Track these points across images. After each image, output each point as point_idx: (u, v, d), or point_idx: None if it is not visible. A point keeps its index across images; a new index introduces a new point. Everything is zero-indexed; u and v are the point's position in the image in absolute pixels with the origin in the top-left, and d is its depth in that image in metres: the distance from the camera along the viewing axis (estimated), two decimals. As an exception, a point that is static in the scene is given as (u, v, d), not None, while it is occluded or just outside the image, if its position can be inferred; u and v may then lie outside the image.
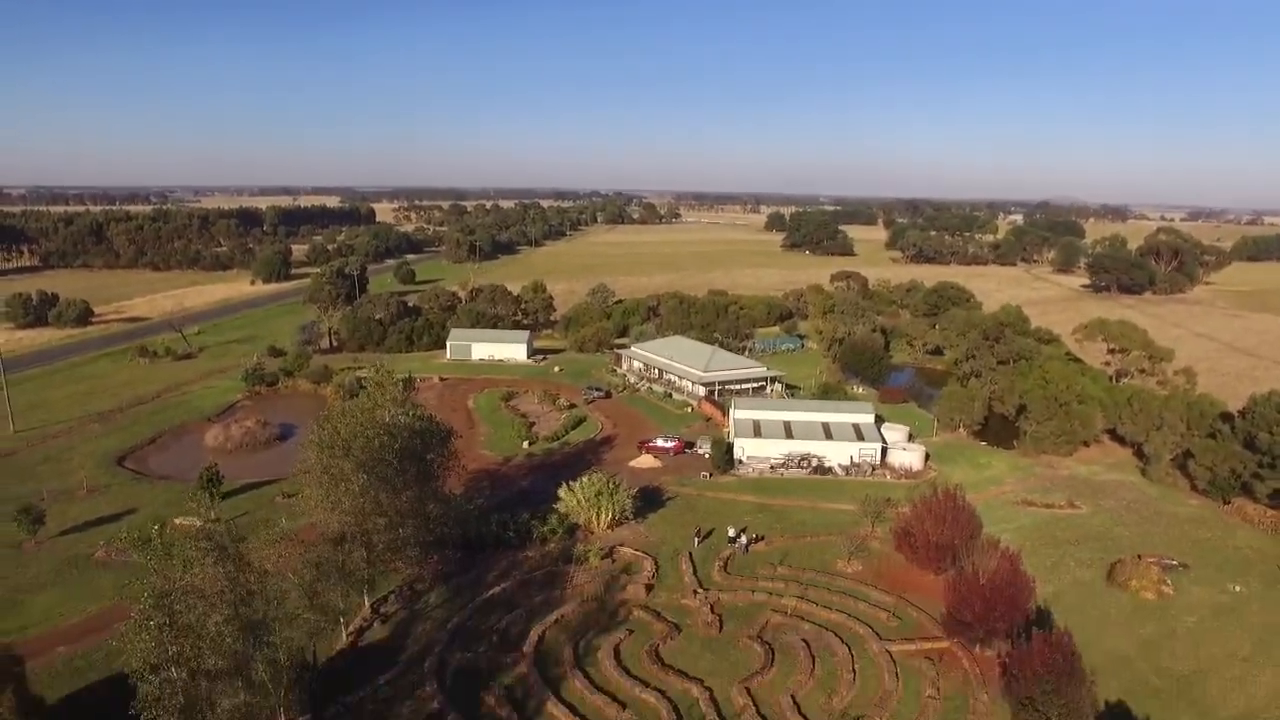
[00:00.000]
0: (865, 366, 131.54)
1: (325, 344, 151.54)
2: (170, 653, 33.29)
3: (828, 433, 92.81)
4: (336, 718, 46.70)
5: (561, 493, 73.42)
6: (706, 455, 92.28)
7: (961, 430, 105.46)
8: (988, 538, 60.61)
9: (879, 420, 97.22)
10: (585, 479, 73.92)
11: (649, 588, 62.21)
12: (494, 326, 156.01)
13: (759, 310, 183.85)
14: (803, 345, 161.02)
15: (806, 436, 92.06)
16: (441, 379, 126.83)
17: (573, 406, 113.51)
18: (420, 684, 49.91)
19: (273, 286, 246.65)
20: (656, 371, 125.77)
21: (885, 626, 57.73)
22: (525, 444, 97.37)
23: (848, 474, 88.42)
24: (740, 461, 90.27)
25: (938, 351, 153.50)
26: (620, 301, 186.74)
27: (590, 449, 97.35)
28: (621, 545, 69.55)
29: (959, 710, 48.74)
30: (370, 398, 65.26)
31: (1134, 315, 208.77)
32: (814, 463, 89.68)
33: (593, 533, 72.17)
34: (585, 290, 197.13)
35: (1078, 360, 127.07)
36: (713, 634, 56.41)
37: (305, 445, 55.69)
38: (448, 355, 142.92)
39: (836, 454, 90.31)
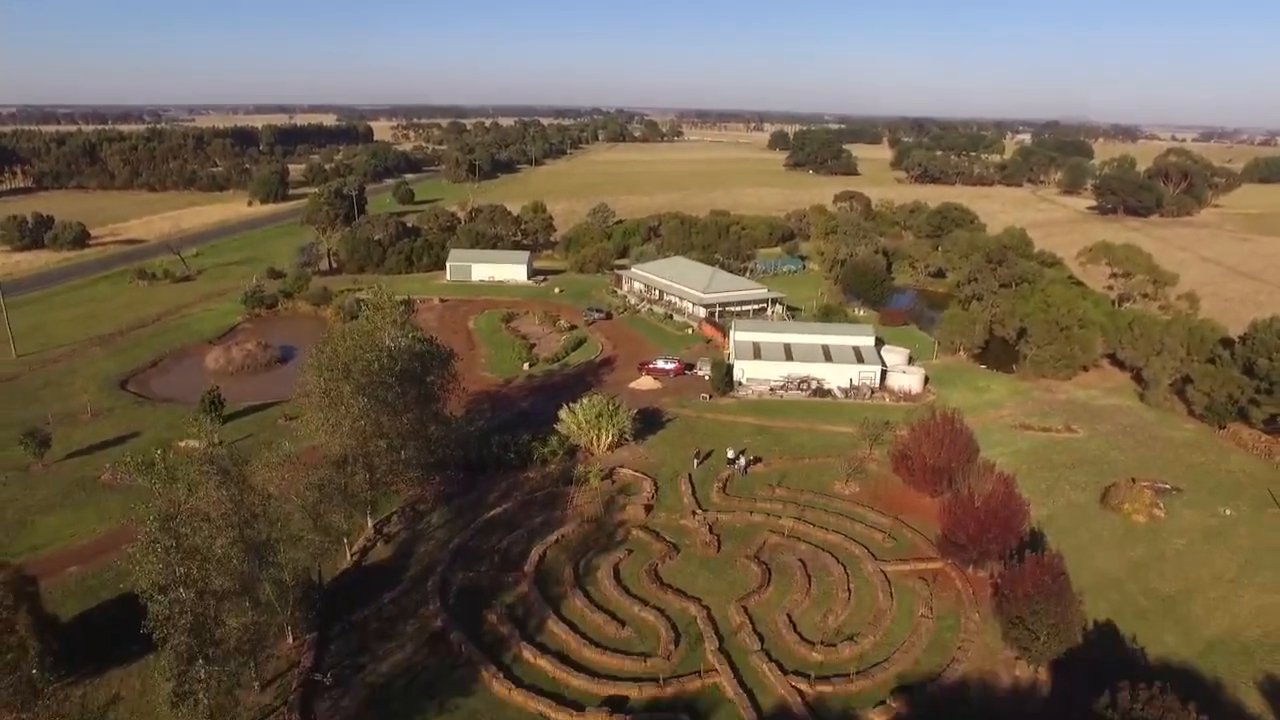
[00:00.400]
0: (867, 289, 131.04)
1: (324, 265, 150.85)
2: (178, 574, 33.92)
3: (827, 355, 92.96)
4: (342, 635, 47.92)
5: (562, 414, 73.95)
6: (706, 377, 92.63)
7: (962, 353, 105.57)
8: (984, 461, 61.18)
9: (879, 343, 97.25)
10: (585, 401, 74.36)
11: (648, 508, 63.11)
12: (494, 247, 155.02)
13: (761, 231, 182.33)
14: (804, 267, 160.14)
15: (806, 359, 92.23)
16: (441, 300, 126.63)
17: (573, 328, 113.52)
18: (423, 603, 51.08)
19: (270, 207, 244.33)
20: (657, 293, 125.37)
21: (881, 547, 58.72)
22: (526, 366, 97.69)
23: (847, 396, 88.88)
24: (740, 384, 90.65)
25: (940, 274, 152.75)
26: (621, 222, 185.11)
27: (590, 370, 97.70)
28: (621, 467, 70.34)
29: (950, 629, 49.91)
30: (369, 320, 65.14)
31: (1140, 238, 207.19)
32: (813, 385, 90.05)
33: (593, 454, 72.91)
34: (586, 210, 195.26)
35: (1080, 284, 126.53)
36: (711, 554, 57.44)
37: (305, 369, 55.87)
38: (447, 276, 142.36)
39: (836, 376, 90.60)
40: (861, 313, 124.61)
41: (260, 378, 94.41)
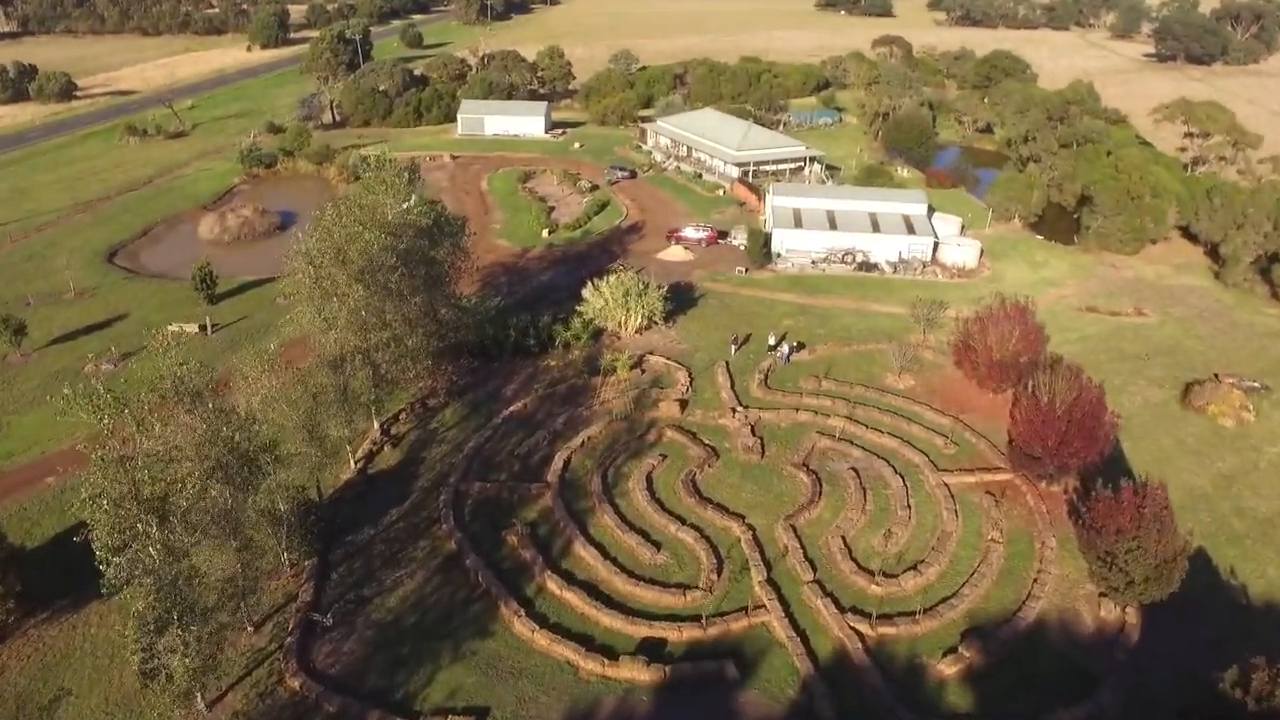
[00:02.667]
0: (911, 146, 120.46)
1: (327, 119, 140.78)
2: (137, 529, 28.39)
3: (875, 225, 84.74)
4: (345, 560, 43.10)
5: (586, 293, 67.12)
6: (741, 247, 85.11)
7: (1016, 221, 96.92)
8: (1065, 362, 54.31)
9: (930, 211, 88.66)
10: (613, 278, 67.36)
11: (683, 405, 57.24)
12: (509, 97, 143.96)
13: (794, 79, 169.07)
14: (840, 119, 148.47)
15: (851, 228, 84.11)
16: (453, 157, 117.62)
17: (595, 189, 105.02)
18: (436, 520, 46.04)
19: (271, 53, 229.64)
20: (685, 149, 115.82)
21: (942, 454, 52.91)
22: (545, 232, 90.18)
23: (895, 271, 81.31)
24: (778, 255, 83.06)
25: (987, 130, 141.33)
26: (644, 68, 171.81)
27: (615, 238, 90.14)
28: (651, 353, 64.14)
29: (1024, 556, 44.55)
30: (369, 189, 57.55)
31: (1202, 90, 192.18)
32: (859, 258, 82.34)
33: (619, 338, 66.63)
34: (606, 55, 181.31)
35: (1147, 144, 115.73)
36: (754, 460, 51.85)
37: (292, 255, 48.90)
38: (458, 130, 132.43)
39: (884, 249, 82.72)
40: (905, 173, 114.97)
41: (258, 247, 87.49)
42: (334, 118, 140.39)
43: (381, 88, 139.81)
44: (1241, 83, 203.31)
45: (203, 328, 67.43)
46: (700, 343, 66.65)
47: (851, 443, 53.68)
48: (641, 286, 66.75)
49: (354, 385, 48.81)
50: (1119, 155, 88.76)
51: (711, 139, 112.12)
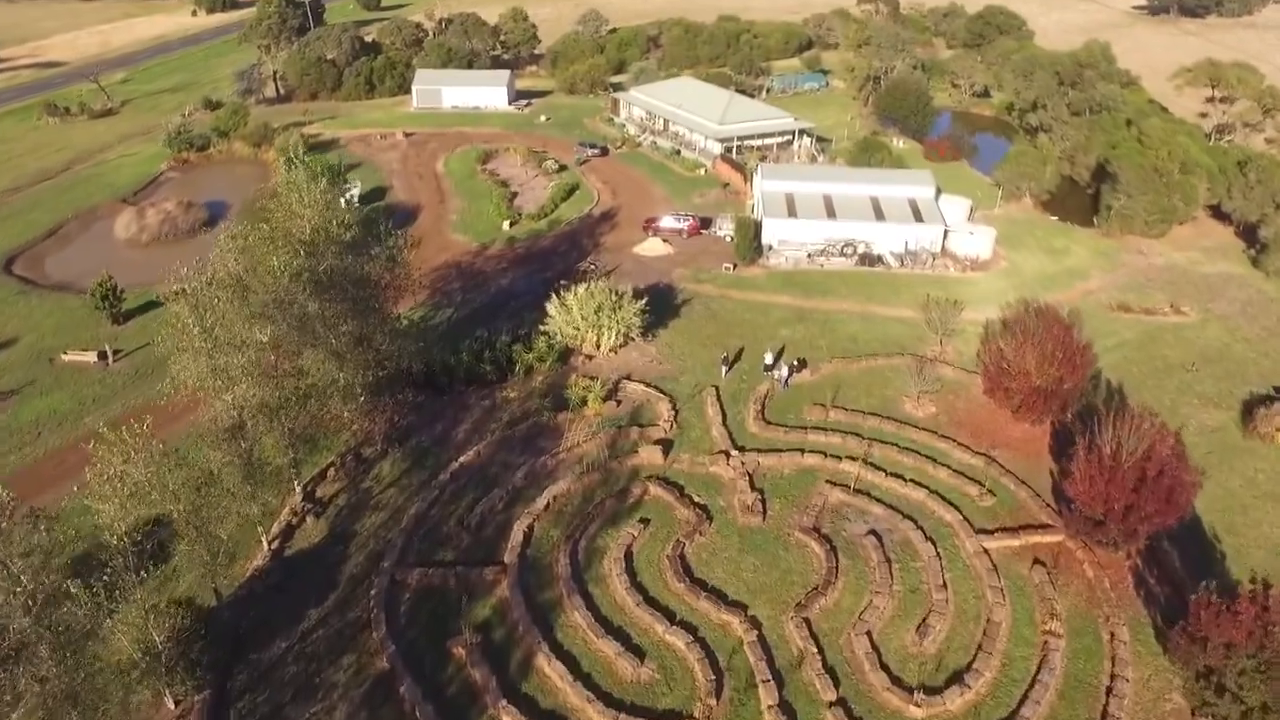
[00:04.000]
0: (907, 114, 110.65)
1: (270, 92, 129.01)
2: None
3: (878, 211, 75.45)
4: (249, 688, 34.09)
5: (551, 309, 57.67)
6: (728, 239, 75.75)
7: (1027, 200, 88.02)
8: (1139, 407, 45.74)
9: (937, 194, 79.42)
10: (581, 289, 57.86)
11: (667, 448, 48.30)
12: (469, 65, 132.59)
13: (775, 39, 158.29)
14: (827, 84, 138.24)
15: (851, 216, 74.81)
16: (406, 135, 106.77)
17: (563, 169, 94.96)
18: (366, 624, 37.06)
19: (218, 17, 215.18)
20: (661, 122, 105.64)
21: (977, 507, 44.42)
22: (506, 224, 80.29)
23: (902, 264, 72.24)
24: (770, 248, 73.76)
25: (985, 94, 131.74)
26: (615, 30, 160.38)
27: (585, 229, 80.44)
28: (628, 379, 55.03)
29: (1090, 654, 36.07)
30: (281, 200, 47.72)
31: (1198, 44, 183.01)
32: (860, 249, 73.22)
33: (591, 358, 57.46)
34: (573, 16, 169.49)
35: (1163, 110, 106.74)
36: (754, 522, 43.10)
37: (172, 298, 38.90)
38: (414, 103, 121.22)
39: (888, 239, 73.54)
40: (901, 144, 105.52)
41: (182, 248, 76.47)
42: (278, 91, 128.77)
43: (329, 57, 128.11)
44: (1239, 36, 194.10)
45: (102, 355, 57.54)
46: (685, 361, 57.62)
47: (869, 495, 45.08)
48: (615, 298, 57.39)
49: (262, 451, 39.49)
50: (1142, 126, 79.78)
51: (690, 111, 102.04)
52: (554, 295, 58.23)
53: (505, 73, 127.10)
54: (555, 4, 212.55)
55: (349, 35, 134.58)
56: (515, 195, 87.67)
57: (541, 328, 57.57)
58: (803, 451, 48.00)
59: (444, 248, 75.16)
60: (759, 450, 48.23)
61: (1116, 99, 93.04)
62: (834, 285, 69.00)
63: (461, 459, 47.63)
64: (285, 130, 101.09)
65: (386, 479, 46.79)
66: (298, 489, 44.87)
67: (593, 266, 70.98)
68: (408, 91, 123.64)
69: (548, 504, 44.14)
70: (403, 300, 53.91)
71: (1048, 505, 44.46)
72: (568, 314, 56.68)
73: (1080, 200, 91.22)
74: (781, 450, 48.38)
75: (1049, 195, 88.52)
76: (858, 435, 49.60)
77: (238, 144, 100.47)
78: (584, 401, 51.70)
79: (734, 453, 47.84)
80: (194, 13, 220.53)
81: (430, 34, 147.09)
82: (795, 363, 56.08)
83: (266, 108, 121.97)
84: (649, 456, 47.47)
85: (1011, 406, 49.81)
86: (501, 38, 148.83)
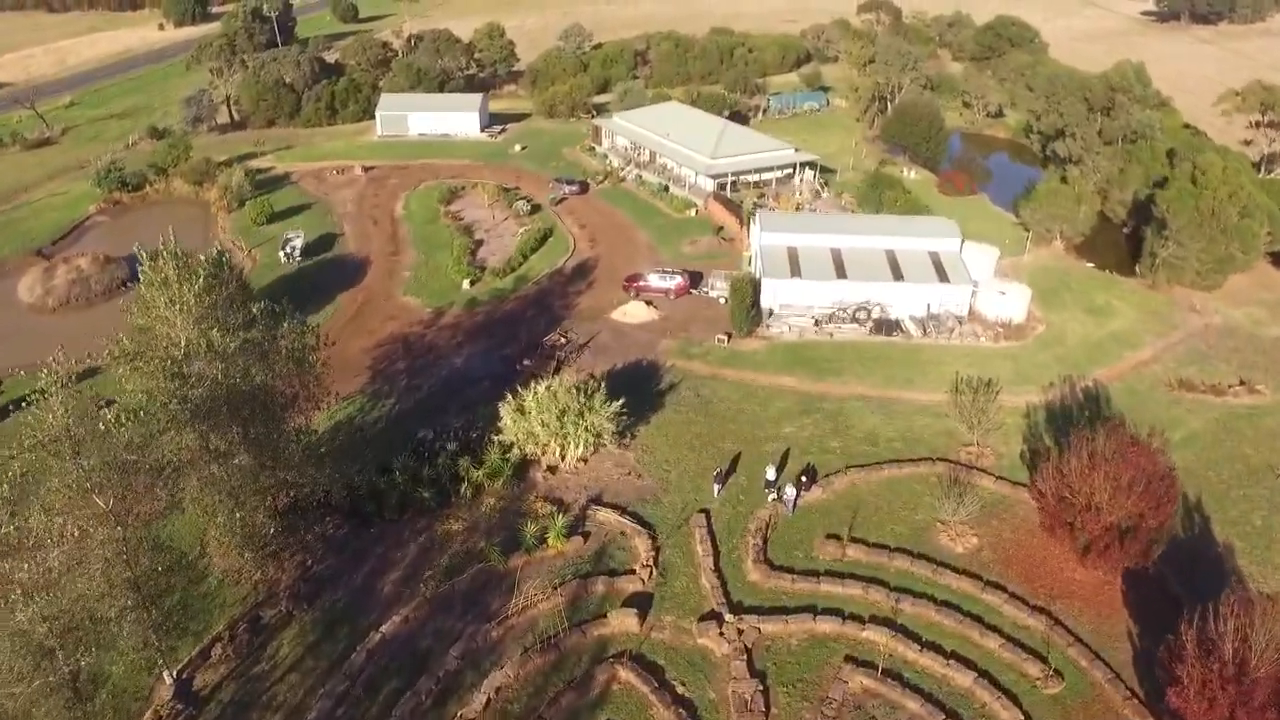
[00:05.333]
0: (918, 141, 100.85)
1: (225, 118, 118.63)
2: None
3: (895, 268, 65.36)
4: None
5: (506, 415, 47.38)
6: (721, 300, 65.83)
7: (1058, 243, 78.12)
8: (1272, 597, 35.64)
9: (961, 245, 69.26)
10: (543, 389, 47.64)
11: (644, 603, 38.23)
12: (441, 88, 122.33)
13: (771, 53, 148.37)
14: (828, 102, 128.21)
15: (864, 273, 64.76)
16: (366, 169, 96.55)
17: (536, 210, 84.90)
18: None
19: (185, 31, 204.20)
20: (647, 153, 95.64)
21: (1039, 696, 34.35)
22: (466, 283, 70.08)
23: (924, 332, 62.19)
24: (770, 313, 63.78)
25: (999, 113, 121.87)
26: (599, 46, 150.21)
27: (557, 288, 70.30)
28: (597, 503, 44.88)
29: None
30: (147, 306, 37.65)
31: (1215, 53, 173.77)
32: (874, 313, 63.25)
33: (554, 470, 47.31)
34: (558, 28, 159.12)
35: (1198, 133, 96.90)
36: (754, 727, 33.09)
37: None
38: (378, 130, 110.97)
39: (907, 301, 63.55)
40: (913, 174, 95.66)
41: (93, 314, 66.76)
42: (232, 118, 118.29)
43: (287, 80, 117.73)
44: (1256, 44, 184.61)
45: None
46: (669, 472, 47.52)
47: (901, 679, 34.98)
48: (584, 399, 47.19)
49: (118, 639, 29.43)
50: (1197, 162, 69.72)
51: (679, 142, 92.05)
52: (508, 398, 47.96)
53: (477, 97, 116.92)
54: (541, 13, 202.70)
55: (308, 56, 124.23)
56: (479, 244, 77.51)
57: (495, 432, 47.28)
58: (815, 613, 37.89)
59: (391, 315, 65.05)
60: (759, 611, 38.16)
61: (1153, 126, 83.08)
62: (846, 362, 58.91)
63: (384, 628, 37.45)
64: (230, 166, 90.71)
65: (287, 659, 36.58)
66: (168, 680, 34.69)
67: (562, 340, 60.98)
68: (373, 117, 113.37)
69: (488, 700, 34.00)
70: (321, 404, 43.71)
71: (1132, 696, 34.39)
72: (526, 421, 46.47)
73: (1113, 239, 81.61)
74: (788, 609, 38.34)
75: (1082, 238, 78.67)
76: (882, 584, 39.58)
77: (177, 182, 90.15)
78: (542, 538, 41.56)
79: (728, 616, 37.73)
80: (161, 26, 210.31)
81: (399, 53, 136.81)
82: (804, 478, 45.92)
83: (218, 136, 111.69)
84: (620, 624, 37.34)
85: (1077, 547, 39.71)
86: (476, 55, 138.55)
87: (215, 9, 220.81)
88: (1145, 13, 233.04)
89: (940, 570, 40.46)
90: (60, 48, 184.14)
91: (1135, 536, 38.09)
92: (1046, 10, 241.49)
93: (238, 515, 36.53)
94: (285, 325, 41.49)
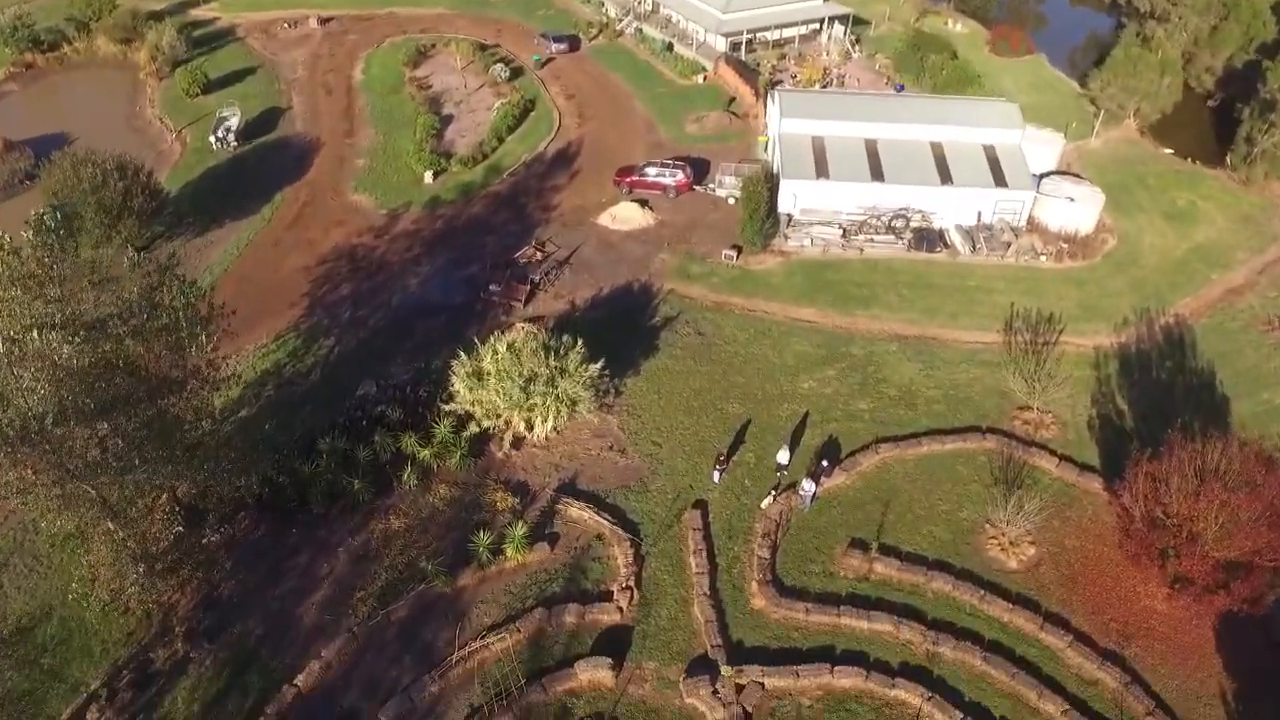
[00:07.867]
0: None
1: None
2: None
3: (942, 166, 54.28)
4: None
5: (458, 382, 38.40)
6: (731, 200, 55.48)
7: (1131, 122, 66.20)
8: None
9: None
10: (504, 348, 38.45)
11: (620, 641, 30.75)
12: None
13: None
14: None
15: (905, 174, 53.66)
16: (322, 21, 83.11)
17: (517, 74, 72.86)
18: None
19: None
20: (649, 3, 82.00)
21: (1120, 796, 27.19)
22: (429, 175, 59.39)
23: (973, 247, 51.99)
24: (790, 221, 53.47)
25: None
26: None
27: (536, 182, 59.70)
28: (570, 494, 36.64)
29: None
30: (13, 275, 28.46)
31: None
32: (915, 223, 52.89)
33: (519, 444, 38.92)
34: None
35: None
36: (752, 839, 26.11)
37: None
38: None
39: (955, 208, 53.01)
40: (959, 27, 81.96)
41: (-6, 213, 56.96)
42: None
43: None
44: None
45: None
46: (659, 445, 39.09)
47: (942, 762, 27.75)
48: (556, 360, 38.06)
49: None
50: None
51: (687, -10, 78.27)
52: (461, 356, 38.83)
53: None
54: None
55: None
56: (448, 122, 66.15)
57: (444, 405, 38.53)
58: (833, 662, 30.30)
59: (338, 219, 54.96)
60: (764, 655, 30.63)
61: (1255, -23, 69.04)
62: (879, 287, 49.16)
63: (301, 678, 30.11)
64: (158, 23, 77.57)
65: (182, 709, 29.45)
66: (29, 751, 27.80)
67: (539, 256, 51.27)
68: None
69: (419, 795, 27.04)
70: (219, 387, 34.81)
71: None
72: (483, 389, 37.59)
73: (1196, 117, 69.52)
74: (800, 651, 30.79)
75: (1160, 115, 66.64)
76: (918, 615, 31.86)
77: (100, 40, 77.46)
78: (501, 549, 33.63)
79: (724, 665, 30.21)
80: None
81: None
82: (824, 462, 37.39)
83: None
84: (591, 677, 29.90)
85: (1165, 578, 31.56)
86: None
87: None
88: None
89: (988, 599, 32.54)
90: None
91: (1248, 578, 29.82)
92: None
93: (120, 535, 29.08)
94: (169, 289, 32.09)
